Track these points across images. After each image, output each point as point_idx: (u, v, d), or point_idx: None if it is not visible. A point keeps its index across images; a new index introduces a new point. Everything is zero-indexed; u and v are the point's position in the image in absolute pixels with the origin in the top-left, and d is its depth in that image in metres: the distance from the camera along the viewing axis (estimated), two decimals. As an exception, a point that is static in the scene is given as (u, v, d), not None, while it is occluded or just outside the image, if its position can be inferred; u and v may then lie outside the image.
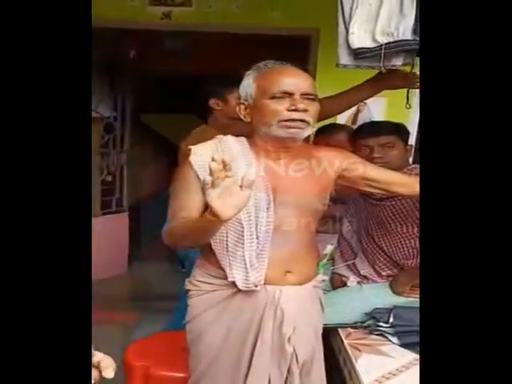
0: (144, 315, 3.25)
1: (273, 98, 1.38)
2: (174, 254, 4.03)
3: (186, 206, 1.40)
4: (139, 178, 4.80)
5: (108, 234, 3.94)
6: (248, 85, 1.44)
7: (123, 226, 4.27)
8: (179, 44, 4.33)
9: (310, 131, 1.43)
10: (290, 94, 1.37)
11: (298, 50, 2.98)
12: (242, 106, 1.47)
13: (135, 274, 4.09)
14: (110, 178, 4.25)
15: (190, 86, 3.19)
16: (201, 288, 1.50)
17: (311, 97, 1.40)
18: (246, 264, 1.40)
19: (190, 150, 1.47)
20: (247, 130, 1.51)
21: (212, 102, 2.37)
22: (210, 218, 1.18)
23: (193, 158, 1.44)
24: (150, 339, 2.22)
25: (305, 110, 1.37)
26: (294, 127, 1.38)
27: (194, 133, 2.61)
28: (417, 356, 1.74)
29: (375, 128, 1.93)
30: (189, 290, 1.55)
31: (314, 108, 1.41)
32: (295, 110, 1.36)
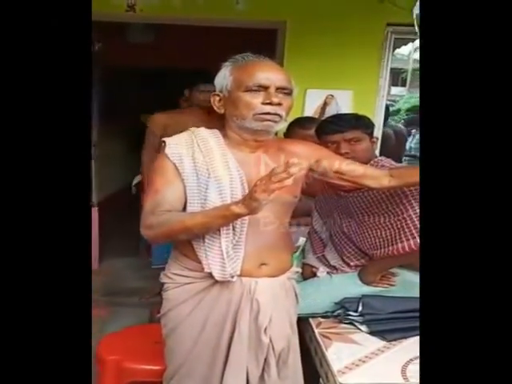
0: (116, 310, 3.23)
1: (248, 90, 1.39)
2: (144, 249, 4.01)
3: (168, 199, 1.41)
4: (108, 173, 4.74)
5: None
6: (224, 76, 1.45)
7: (93, 221, 4.21)
8: (145, 37, 4.28)
9: (282, 125, 1.46)
10: (265, 88, 1.39)
11: (264, 43, 2.98)
12: (217, 98, 1.48)
13: (107, 269, 4.05)
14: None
15: (154, 79, 3.19)
16: (176, 281, 1.51)
17: (286, 91, 1.42)
18: (222, 254, 1.40)
19: (164, 142, 1.47)
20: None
21: None
22: (237, 212, 1.26)
23: (169, 151, 1.45)
24: (121, 333, 2.22)
25: (279, 104, 1.39)
26: (268, 120, 1.40)
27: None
28: (385, 343, 1.80)
29: (340, 123, 1.92)
30: (164, 283, 1.55)
31: (288, 102, 1.43)
32: (269, 104, 1.38)
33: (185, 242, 1.46)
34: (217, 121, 2.77)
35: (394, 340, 1.81)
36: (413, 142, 5.48)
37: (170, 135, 2.77)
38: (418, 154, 5.22)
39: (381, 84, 3.33)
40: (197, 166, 1.43)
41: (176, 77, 3.18)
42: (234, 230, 1.42)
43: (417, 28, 1.65)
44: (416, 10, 1.62)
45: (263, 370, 1.50)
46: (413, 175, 1.68)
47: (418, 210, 1.80)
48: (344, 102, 3.24)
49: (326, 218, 2.20)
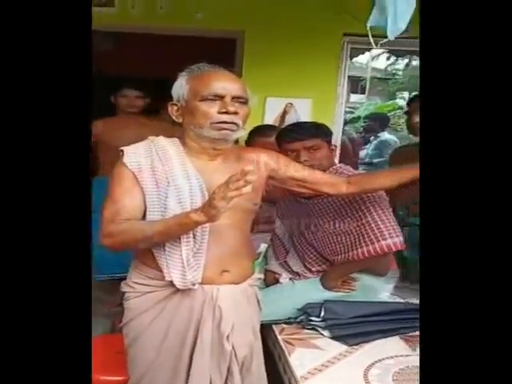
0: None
1: (204, 100, 1.41)
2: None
3: (127, 207, 1.41)
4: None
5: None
6: (180, 86, 1.46)
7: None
8: (104, 45, 4.22)
9: (240, 133, 1.47)
10: (220, 97, 1.41)
11: (223, 52, 3.00)
12: (175, 107, 1.49)
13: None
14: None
15: (114, 88, 3.15)
16: (137, 289, 1.50)
17: (242, 100, 1.44)
18: (183, 263, 1.40)
19: (122, 151, 1.47)
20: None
21: None
22: (196, 220, 1.27)
23: (127, 160, 1.44)
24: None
25: (235, 113, 1.41)
26: (225, 129, 1.41)
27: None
28: (347, 347, 1.82)
29: (300, 131, 1.95)
30: (125, 292, 1.54)
31: (244, 111, 1.45)
32: (226, 113, 1.40)
33: (145, 251, 1.46)
34: (139, 125, 2.78)
35: (356, 344, 1.83)
36: (370, 149, 5.55)
37: (103, 142, 2.81)
38: (374, 161, 5.32)
39: (339, 92, 3.39)
40: (156, 175, 1.43)
41: (133, 85, 3.14)
42: (194, 237, 1.42)
43: (371, 39, 1.71)
44: (370, 23, 1.68)
45: (226, 378, 1.49)
46: (370, 182, 1.72)
47: (376, 216, 1.84)
48: (303, 110, 3.28)
49: (287, 224, 2.21)
